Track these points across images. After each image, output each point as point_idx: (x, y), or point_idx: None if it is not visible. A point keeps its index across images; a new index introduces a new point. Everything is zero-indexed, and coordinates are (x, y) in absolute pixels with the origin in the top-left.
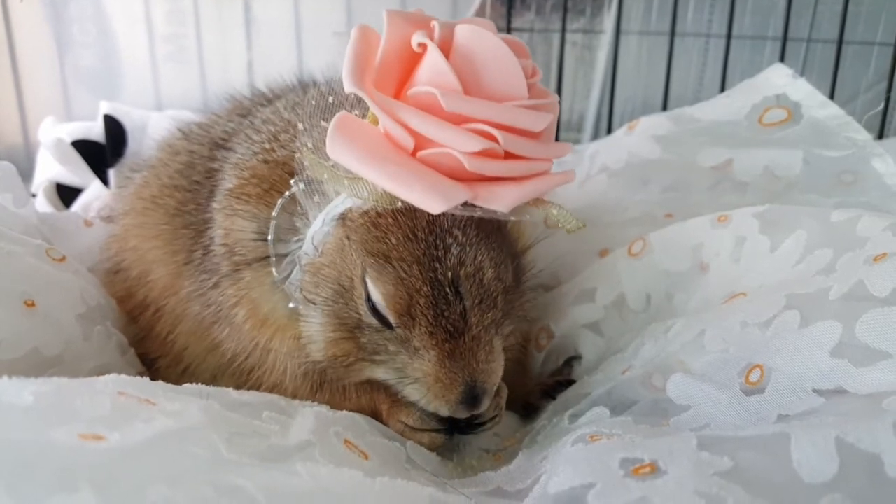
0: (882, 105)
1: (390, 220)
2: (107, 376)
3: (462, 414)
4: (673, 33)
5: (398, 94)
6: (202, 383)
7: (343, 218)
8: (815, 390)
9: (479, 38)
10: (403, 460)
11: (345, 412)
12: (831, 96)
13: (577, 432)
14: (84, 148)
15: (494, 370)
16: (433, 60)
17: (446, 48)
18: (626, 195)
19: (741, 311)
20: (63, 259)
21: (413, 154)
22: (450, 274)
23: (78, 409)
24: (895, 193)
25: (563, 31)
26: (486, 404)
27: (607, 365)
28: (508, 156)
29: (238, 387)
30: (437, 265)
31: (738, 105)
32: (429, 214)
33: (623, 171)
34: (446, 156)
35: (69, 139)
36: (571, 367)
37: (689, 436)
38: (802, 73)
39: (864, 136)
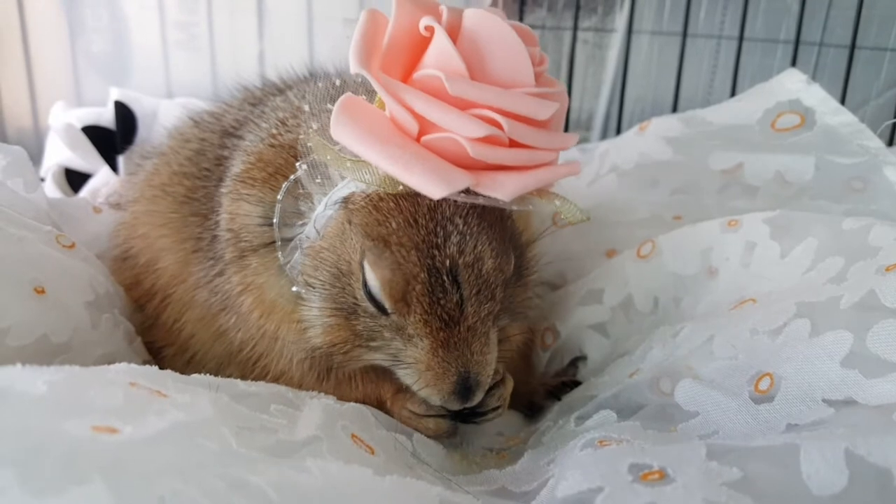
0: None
1: (392, 204)
2: (118, 365)
3: (454, 405)
4: (685, 34)
5: (405, 80)
6: (209, 372)
7: (346, 202)
8: (824, 400)
9: (487, 23)
10: (409, 454)
11: (351, 404)
12: (842, 101)
13: (586, 436)
14: (94, 133)
15: (488, 362)
16: (440, 43)
17: (454, 33)
18: (635, 196)
19: (751, 317)
20: (73, 246)
21: (417, 139)
22: (448, 262)
23: (91, 399)
24: None
25: (575, 28)
26: (478, 397)
27: (614, 367)
28: (513, 144)
29: (245, 375)
30: (436, 252)
31: (750, 109)
32: (431, 201)
33: (633, 171)
34: (450, 141)
35: (79, 125)
36: (577, 367)
37: (699, 444)
38: (814, 77)
39: (876, 143)
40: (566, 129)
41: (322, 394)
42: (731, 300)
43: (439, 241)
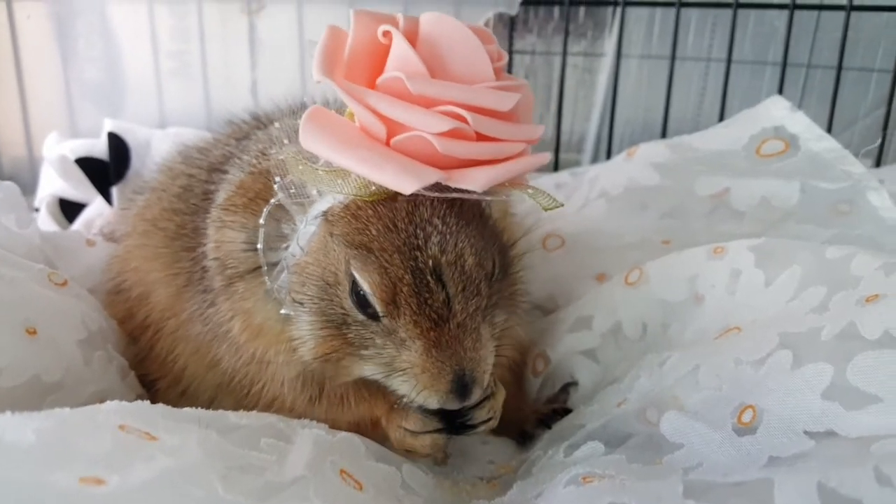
0: (879, 140)
1: (370, 212)
2: (108, 404)
3: (453, 404)
4: (673, 57)
5: (369, 87)
6: (202, 404)
7: (325, 215)
8: (805, 432)
9: (443, 25)
10: (398, 485)
11: (342, 434)
12: (830, 121)
13: (572, 471)
14: (88, 165)
15: (483, 358)
16: (398, 48)
17: (412, 38)
18: (624, 220)
19: (735, 347)
20: (65, 283)
21: (387, 143)
22: (431, 262)
23: (79, 447)
24: (890, 227)
25: (565, 53)
26: (477, 394)
27: (603, 396)
28: (481, 138)
29: (238, 403)
30: (418, 254)
31: (736, 135)
32: (408, 205)
33: (622, 196)
34: (418, 140)
35: (73, 156)
36: (568, 393)
37: (676, 481)
38: (802, 99)
39: (859, 169)
40: (556, 151)
41: (314, 423)
42: (718, 327)
43: (420, 242)
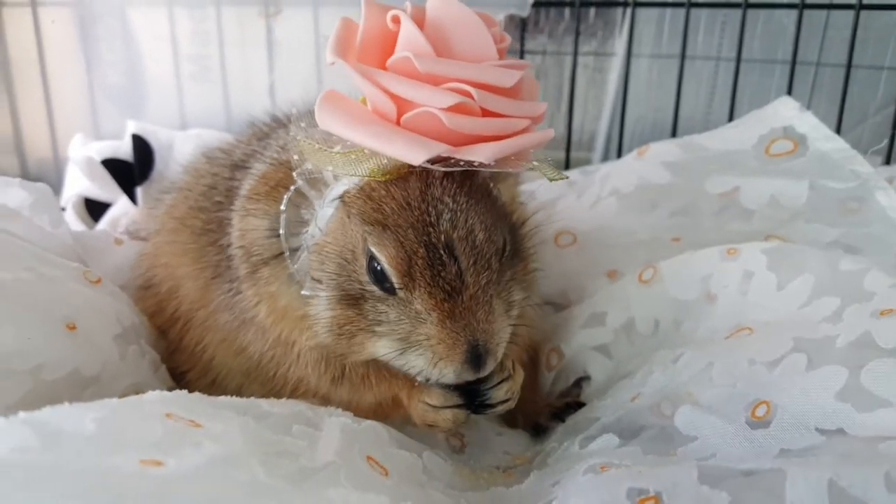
0: (887, 139)
1: (384, 192)
2: (151, 394)
3: (468, 375)
4: (683, 56)
5: None
6: (230, 393)
7: (342, 198)
8: (817, 429)
9: (448, 9)
10: (420, 471)
11: (367, 422)
12: (840, 119)
13: (589, 461)
14: (113, 166)
15: (496, 330)
16: (407, 30)
17: (420, 23)
18: (635, 218)
19: (749, 348)
20: (99, 281)
21: (397, 122)
22: (443, 237)
23: (134, 435)
24: None
25: (576, 53)
26: (491, 365)
27: (616, 390)
28: (486, 113)
29: (265, 388)
30: (431, 230)
31: (745, 135)
32: (420, 185)
33: (633, 194)
34: (427, 115)
35: (99, 157)
36: (580, 387)
37: (692, 467)
38: (812, 97)
39: (867, 169)
40: (568, 150)
41: (339, 410)
42: (729, 326)
43: (432, 219)
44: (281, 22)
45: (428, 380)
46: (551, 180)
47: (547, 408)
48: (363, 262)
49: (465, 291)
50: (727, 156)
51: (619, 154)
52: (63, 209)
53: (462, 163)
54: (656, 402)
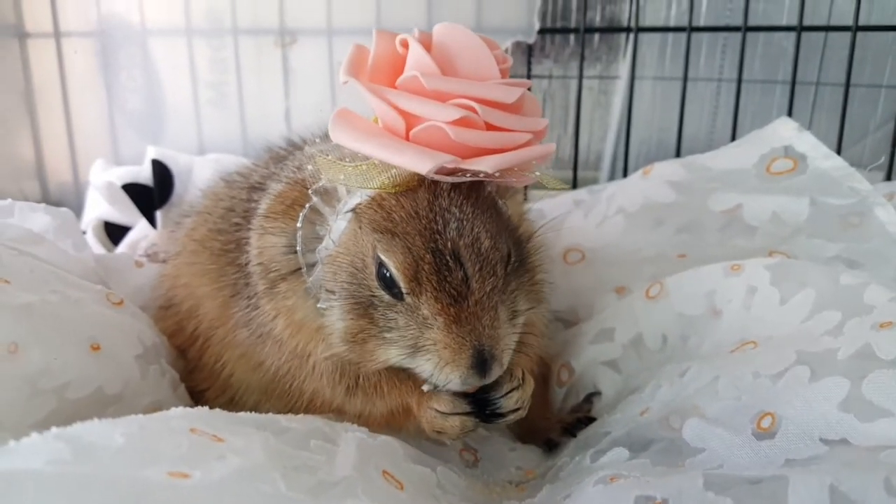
0: (884, 157)
1: (394, 202)
2: (175, 410)
3: (474, 380)
4: (685, 78)
5: None
6: (248, 409)
7: (354, 210)
8: (821, 439)
9: (454, 33)
10: (434, 485)
11: (382, 438)
12: (840, 137)
13: (599, 473)
14: (133, 190)
15: (501, 336)
16: (415, 52)
17: (427, 47)
18: (641, 235)
19: (753, 361)
20: (121, 303)
21: (406, 137)
22: (450, 244)
23: (161, 448)
24: None
25: (581, 77)
26: (497, 371)
27: (626, 404)
28: (490, 128)
29: (281, 400)
30: (438, 237)
31: (747, 155)
32: (428, 196)
33: (639, 212)
34: (434, 129)
35: (119, 182)
36: (591, 402)
37: (697, 475)
38: (812, 116)
39: (866, 186)
40: (575, 170)
41: (354, 426)
42: (734, 340)
43: (439, 227)
44: (296, 50)
45: (436, 386)
46: (553, 190)
47: (559, 423)
48: (373, 269)
49: (471, 297)
50: (729, 174)
51: (625, 173)
52: (84, 232)
53: (468, 173)
54: (665, 416)
